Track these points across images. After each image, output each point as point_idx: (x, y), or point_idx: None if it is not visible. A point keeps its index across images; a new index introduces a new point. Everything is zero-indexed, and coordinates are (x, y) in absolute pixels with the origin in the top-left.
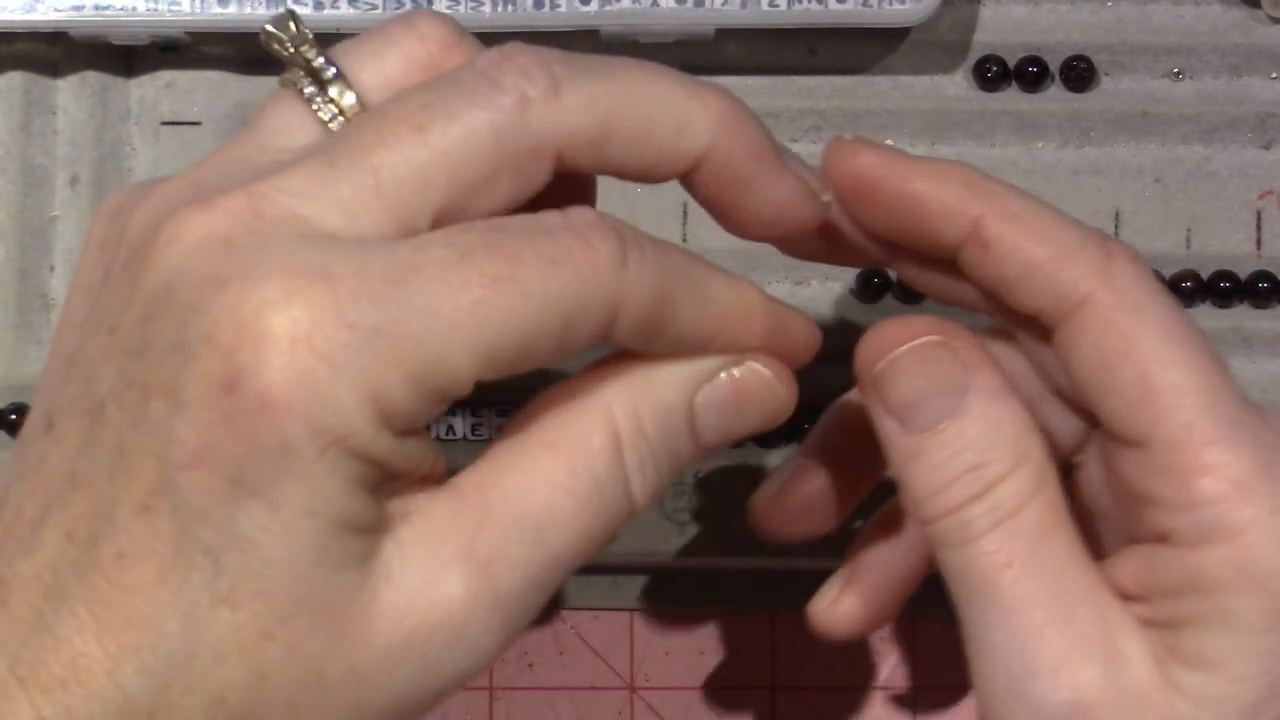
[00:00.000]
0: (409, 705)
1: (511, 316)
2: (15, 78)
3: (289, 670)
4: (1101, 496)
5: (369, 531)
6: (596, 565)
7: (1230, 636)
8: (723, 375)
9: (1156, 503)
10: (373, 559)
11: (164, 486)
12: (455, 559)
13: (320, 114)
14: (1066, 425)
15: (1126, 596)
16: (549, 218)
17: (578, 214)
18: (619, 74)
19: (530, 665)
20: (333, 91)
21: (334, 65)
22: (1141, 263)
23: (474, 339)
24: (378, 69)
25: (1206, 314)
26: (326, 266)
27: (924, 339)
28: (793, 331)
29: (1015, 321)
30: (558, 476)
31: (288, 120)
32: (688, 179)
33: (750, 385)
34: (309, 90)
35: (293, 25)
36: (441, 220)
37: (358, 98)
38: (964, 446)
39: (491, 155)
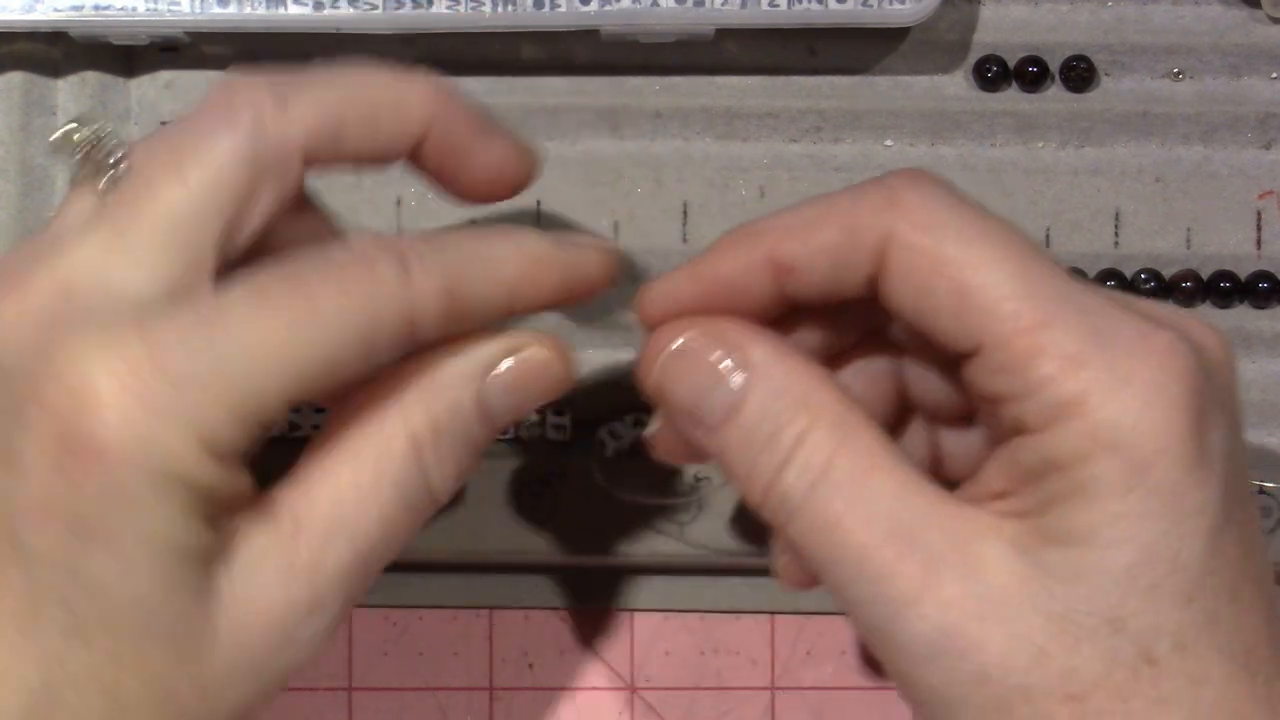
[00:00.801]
0: (249, 706)
1: (314, 343)
2: (15, 78)
3: (146, 697)
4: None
5: (206, 558)
6: (598, 565)
7: (1093, 505)
8: (507, 363)
9: (1004, 399)
10: (211, 582)
11: (12, 544)
12: (278, 573)
13: (108, 194)
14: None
15: (998, 496)
16: (334, 250)
17: (358, 241)
18: (337, 77)
19: (530, 665)
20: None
21: (124, 160)
22: (924, 184)
23: (282, 368)
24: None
25: (1206, 314)
26: (139, 323)
27: (683, 336)
28: (588, 268)
29: (864, 316)
30: (363, 485)
31: (80, 206)
32: (415, 157)
33: (532, 367)
34: (103, 185)
35: (88, 130)
36: (226, 241)
37: None
38: (756, 420)
39: (249, 173)
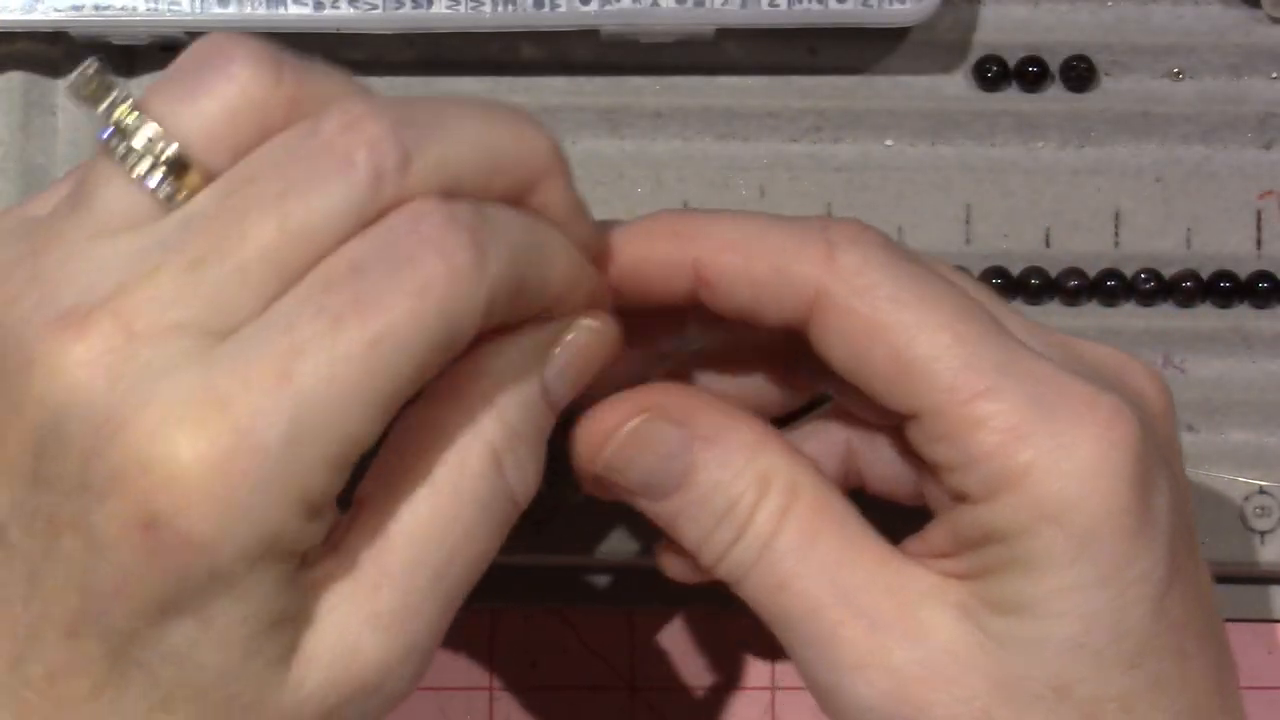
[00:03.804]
0: None
1: (399, 366)
2: (15, 78)
3: None
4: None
5: (293, 621)
6: (597, 565)
7: (1036, 577)
8: (561, 346)
9: (944, 467)
10: (296, 643)
11: (90, 615)
12: (364, 625)
13: (159, 193)
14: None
15: (942, 555)
16: (402, 235)
17: (425, 220)
18: (459, 130)
19: (530, 665)
20: (164, 156)
21: (167, 138)
22: (866, 240)
23: (371, 402)
24: (198, 119)
25: (1206, 314)
26: (214, 388)
27: (633, 422)
28: (604, 301)
29: (780, 345)
30: (444, 514)
31: (124, 204)
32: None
33: (586, 343)
34: (140, 169)
35: (99, 80)
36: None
37: (190, 161)
38: (706, 492)
39: (350, 229)
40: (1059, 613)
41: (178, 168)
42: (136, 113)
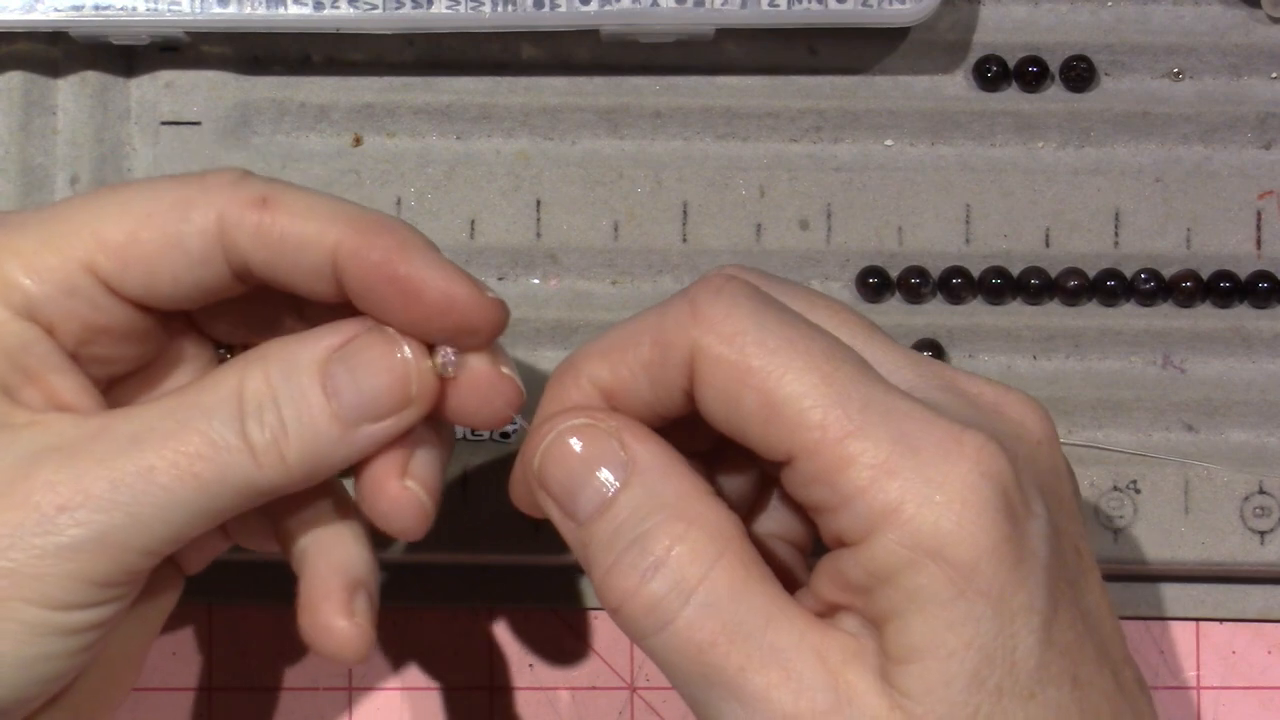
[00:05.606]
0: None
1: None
2: (15, 78)
3: None
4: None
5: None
6: None
7: (925, 616)
8: (353, 337)
9: (820, 509)
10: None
11: None
12: (55, 448)
13: None
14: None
15: (834, 608)
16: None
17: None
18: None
19: (530, 665)
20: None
21: None
22: (731, 290)
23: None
24: None
25: (1206, 314)
26: None
27: (572, 421)
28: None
29: (688, 428)
30: (178, 405)
31: None
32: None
33: (367, 345)
34: None
35: None
36: None
37: None
38: (628, 518)
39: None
40: (956, 649)
41: None
42: None
